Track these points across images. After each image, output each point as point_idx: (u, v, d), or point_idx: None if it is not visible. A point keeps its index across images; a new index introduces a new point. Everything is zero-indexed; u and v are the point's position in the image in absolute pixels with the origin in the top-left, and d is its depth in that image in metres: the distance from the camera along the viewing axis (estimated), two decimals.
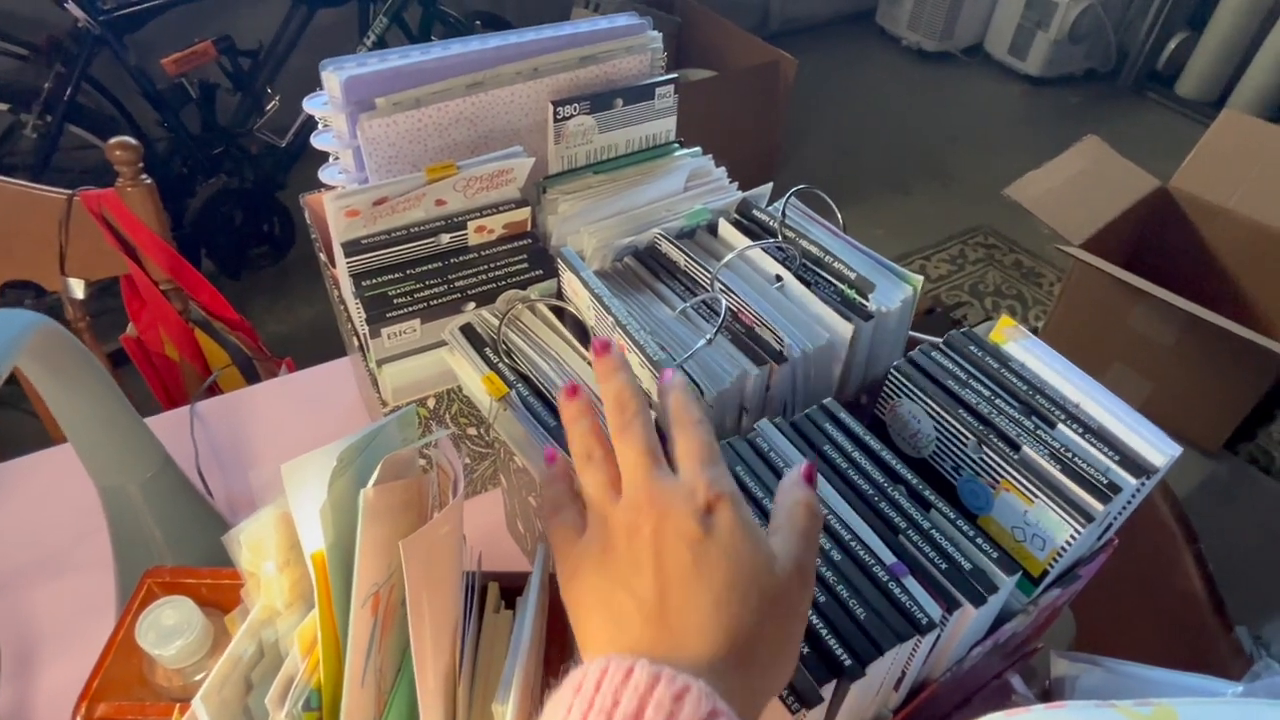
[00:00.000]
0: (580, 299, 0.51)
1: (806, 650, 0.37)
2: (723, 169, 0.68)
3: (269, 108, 1.93)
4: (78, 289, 0.97)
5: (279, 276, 2.10)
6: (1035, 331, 1.64)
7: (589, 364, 0.48)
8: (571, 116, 0.63)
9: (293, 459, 0.34)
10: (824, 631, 0.38)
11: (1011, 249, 2.45)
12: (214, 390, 0.98)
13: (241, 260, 2.02)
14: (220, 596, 0.48)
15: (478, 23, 2.08)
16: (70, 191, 0.93)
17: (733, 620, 0.31)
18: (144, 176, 0.95)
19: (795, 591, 0.33)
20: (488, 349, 0.49)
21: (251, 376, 1.07)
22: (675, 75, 0.67)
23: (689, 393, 0.37)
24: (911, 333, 0.65)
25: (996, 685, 0.59)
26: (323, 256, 0.68)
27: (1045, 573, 0.46)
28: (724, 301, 0.51)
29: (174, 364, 1.07)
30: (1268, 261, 1.50)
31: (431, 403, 0.64)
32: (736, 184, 0.68)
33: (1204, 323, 1.25)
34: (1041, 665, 0.62)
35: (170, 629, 0.43)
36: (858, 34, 3.54)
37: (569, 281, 0.52)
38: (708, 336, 0.48)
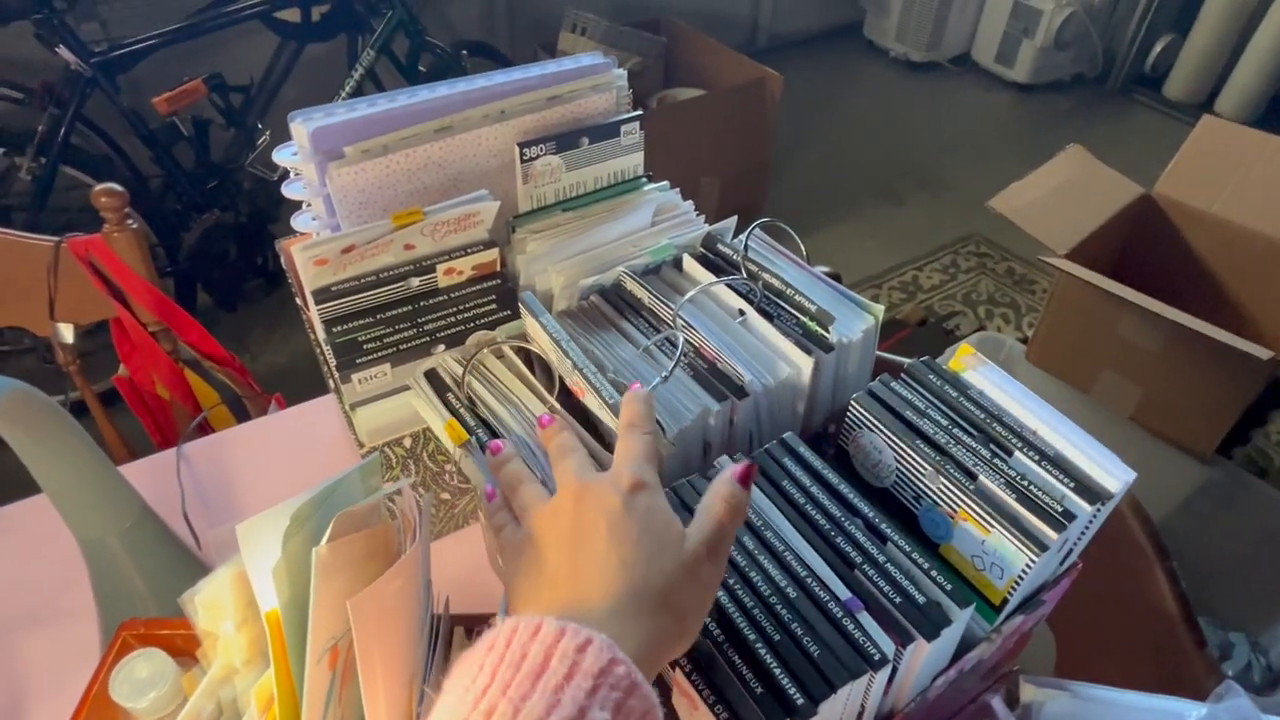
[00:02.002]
0: (543, 341, 0.52)
1: (760, 690, 0.38)
2: (690, 203, 0.69)
3: (260, 142, 1.95)
4: (67, 334, 0.99)
5: (275, 307, 2.12)
6: (1025, 340, 1.64)
7: (549, 408, 0.49)
8: (538, 157, 0.65)
9: (251, 517, 0.35)
10: (777, 669, 0.38)
11: (1004, 257, 2.45)
12: (205, 429, 0.99)
13: (237, 293, 2.04)
14: (195, 647, 0.49)
15: (464, 52, 2.11)
16: (58, 239, 0.95)
17: (638, 580, 0.34)
18: (130, 221, 0.97)
19: (704, 567, 0.36)
20: (450, 394, 0.50)
21: (241, 414, 1.08)
22: (640, 113, 0.68)
23: (646, 404, 0.43)
24: (882, 354, 0.66)
25: (973, 709, 0.59)
26: (299, 300, 0.70)
27: (1005, 600, 0.46)
28: (682, 338, 0.52)
29: (166, 403, 1.09)
30: (1253, 265, 1.50)
31: (408, 442, 0.65)
32: (704, 217, 0.69)
33: (1191, 328, 1.25)
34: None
35: (143, 681, 0.44)
36: (846, 47, 3.57)
37: (530, 326, 0.53)
38: (663, 374, 0.49)
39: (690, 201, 0.69)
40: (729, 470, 0.39)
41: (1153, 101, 3.13)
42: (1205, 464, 1.44)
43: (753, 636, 0.40)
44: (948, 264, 2.43)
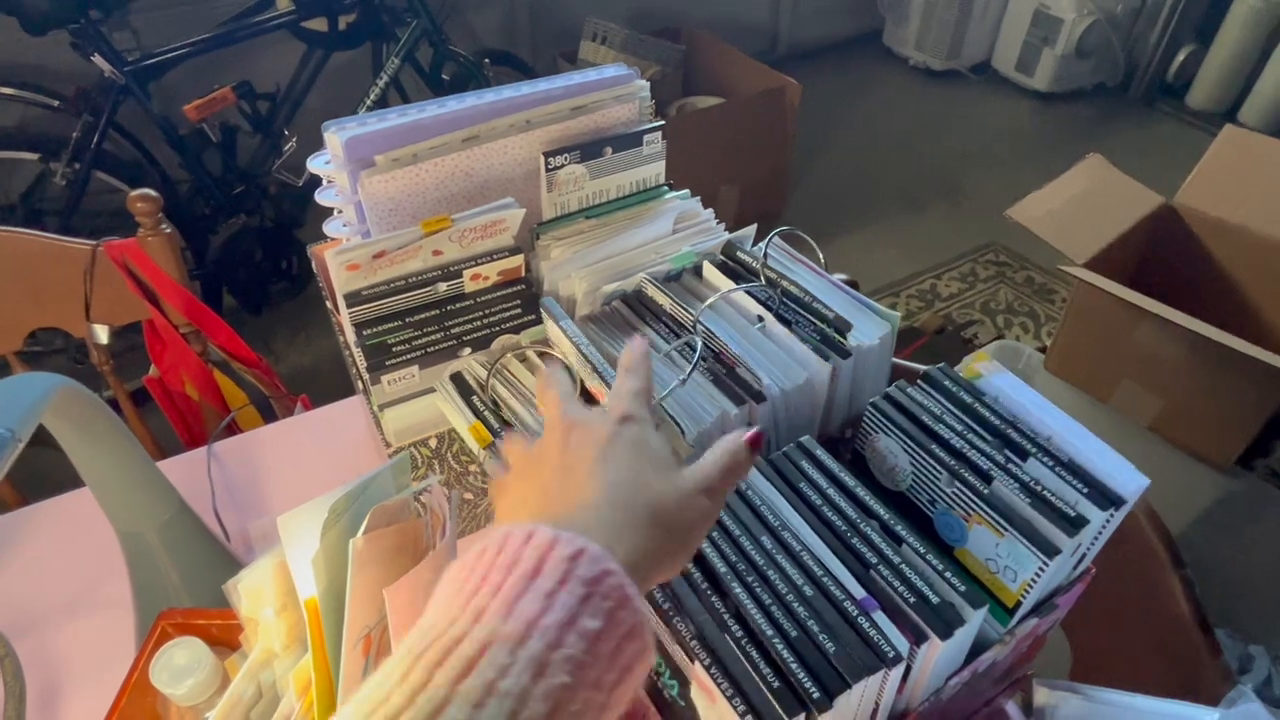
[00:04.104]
0: (564, 345, 0.53)
1: (776, 684, 0.39)
2: (710, 211, 0.71)
3: (286, 149, 1.99)
4: (102, 334, 1.01)
5: (299, 310, 2.15)
6: (1044, 350, 1.64)
7: None
8: (562, 166, 0.66)
9: (290, 510, 0.37)
10: (793, 665, 0.39)
11: (1023, 265, 2.45)
12: (232, 429, 1.02)
13: (262, 296, 2.07)
14: (230, 636, 0.51)
15: (486, 60, 2.13)
16: (95, 242, 0.98)
17: (628, 495, 0.35)
18: (164, 226, 1.00)
19: (697, 499, 0.36)
20: (474, 397, 0.52)
21: (268, 415, 1.10)
22: (662, 123, 0.70)
23: (643, 352, 0.44)
24: (900, 361, 0.67)
25: (988, 712, 0.60)
26: (329, 304, 0.72)
27: (1019, 604, 0.47)
28: (700, 342, 0.53)
29: (195, 403, 1.11)
30: (1275, 275, 1.50)
31: (433, 443, 0.67)
32: (724, 224, 0.70)
33: (1212, 339, 1.25)
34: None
35: (182, 668, 0.46)
36: (865, 55, 3.57)
37: (552, 330, 0.55)
38: (681, 377, 0.50)
39: (710, 210, 0.71)
40: (741, 433, 0.39)
41: (1175, 111, 3.10)
42: (1225, 476, 1.43)
43: (770, 633, 0.41)
44: (966, 272, 2.43)
